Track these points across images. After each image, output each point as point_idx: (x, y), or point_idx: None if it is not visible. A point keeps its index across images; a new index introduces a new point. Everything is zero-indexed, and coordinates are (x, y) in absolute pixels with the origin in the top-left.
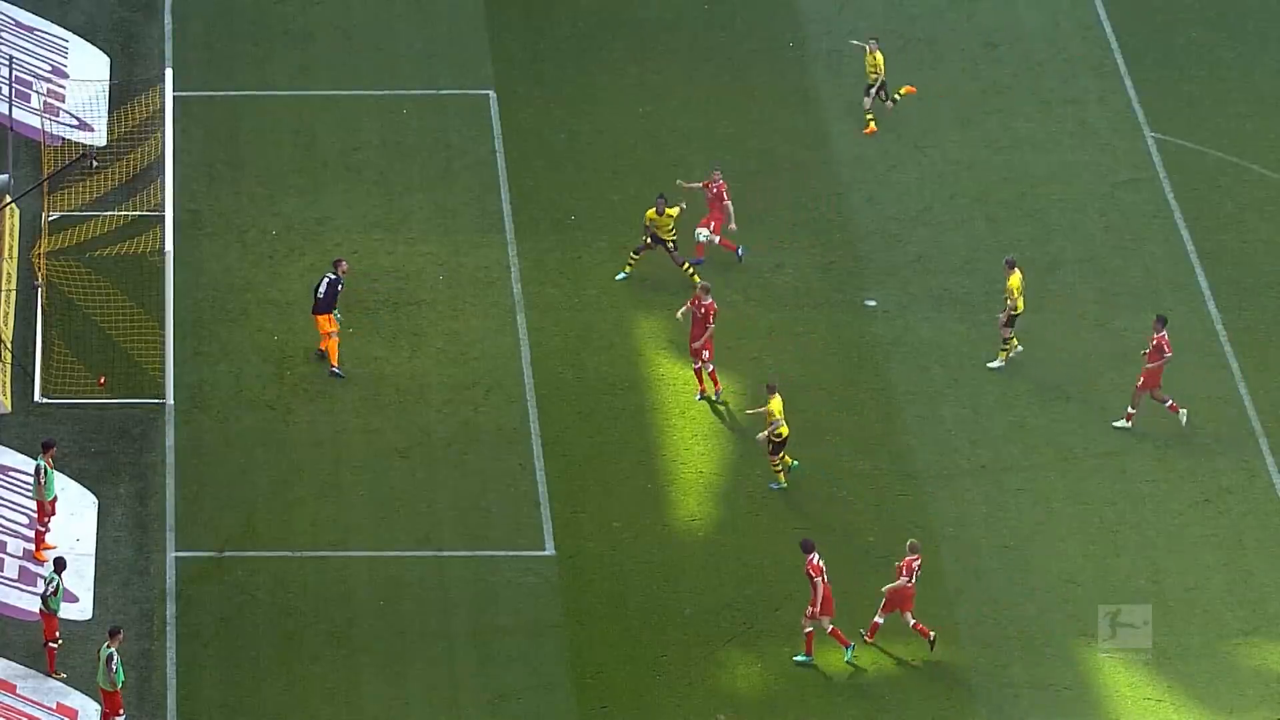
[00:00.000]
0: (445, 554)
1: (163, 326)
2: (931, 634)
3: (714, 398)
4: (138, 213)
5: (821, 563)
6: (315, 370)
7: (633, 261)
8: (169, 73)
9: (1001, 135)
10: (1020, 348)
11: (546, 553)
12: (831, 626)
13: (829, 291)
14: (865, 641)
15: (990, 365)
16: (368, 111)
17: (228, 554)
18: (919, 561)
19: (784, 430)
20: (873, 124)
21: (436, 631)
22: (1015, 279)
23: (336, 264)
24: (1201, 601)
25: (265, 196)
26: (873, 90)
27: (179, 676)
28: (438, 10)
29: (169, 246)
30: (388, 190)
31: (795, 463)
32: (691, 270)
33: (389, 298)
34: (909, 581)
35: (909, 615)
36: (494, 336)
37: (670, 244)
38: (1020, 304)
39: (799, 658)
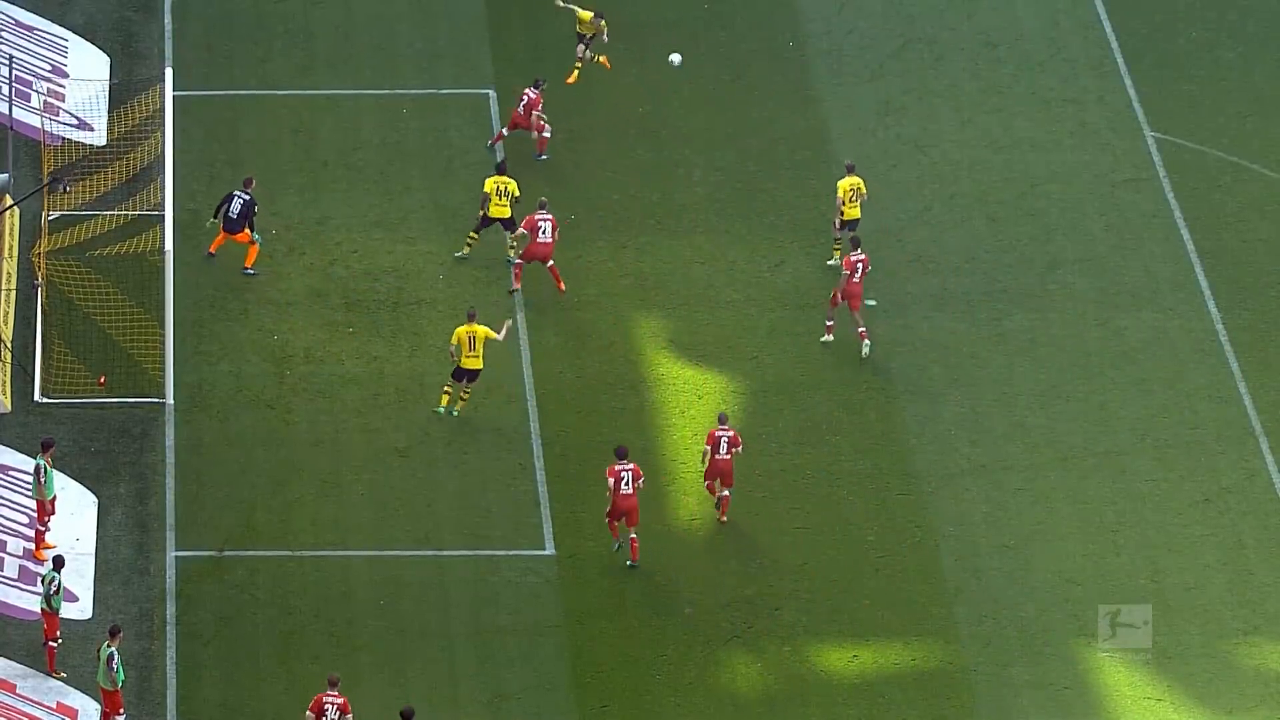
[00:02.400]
0: (445, 554)
1: (163, 326)
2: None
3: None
4: (138, 212)
5: (624, 473)
6: (315, 370)
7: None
8: (169, 72)
9: (1001, 135)
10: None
11: (546, 553)
12: (621, 530)
13: (829, 291)
14: None
15: (828, 262)
16: (368, 111)
17: (228, 554)
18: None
19: (464, 362)
20: (576, 73)
21: (436, 631)
22: (845, 183)
23: (247, 183)
24: (1201, 601)
25: (265, 196)
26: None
27: (179, 676)
28: (438, 10)
29: (169, 246)
30: (388, 190)
31: (454, 412)
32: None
33: (389, 298)
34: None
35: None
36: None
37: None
38: (850, 211)
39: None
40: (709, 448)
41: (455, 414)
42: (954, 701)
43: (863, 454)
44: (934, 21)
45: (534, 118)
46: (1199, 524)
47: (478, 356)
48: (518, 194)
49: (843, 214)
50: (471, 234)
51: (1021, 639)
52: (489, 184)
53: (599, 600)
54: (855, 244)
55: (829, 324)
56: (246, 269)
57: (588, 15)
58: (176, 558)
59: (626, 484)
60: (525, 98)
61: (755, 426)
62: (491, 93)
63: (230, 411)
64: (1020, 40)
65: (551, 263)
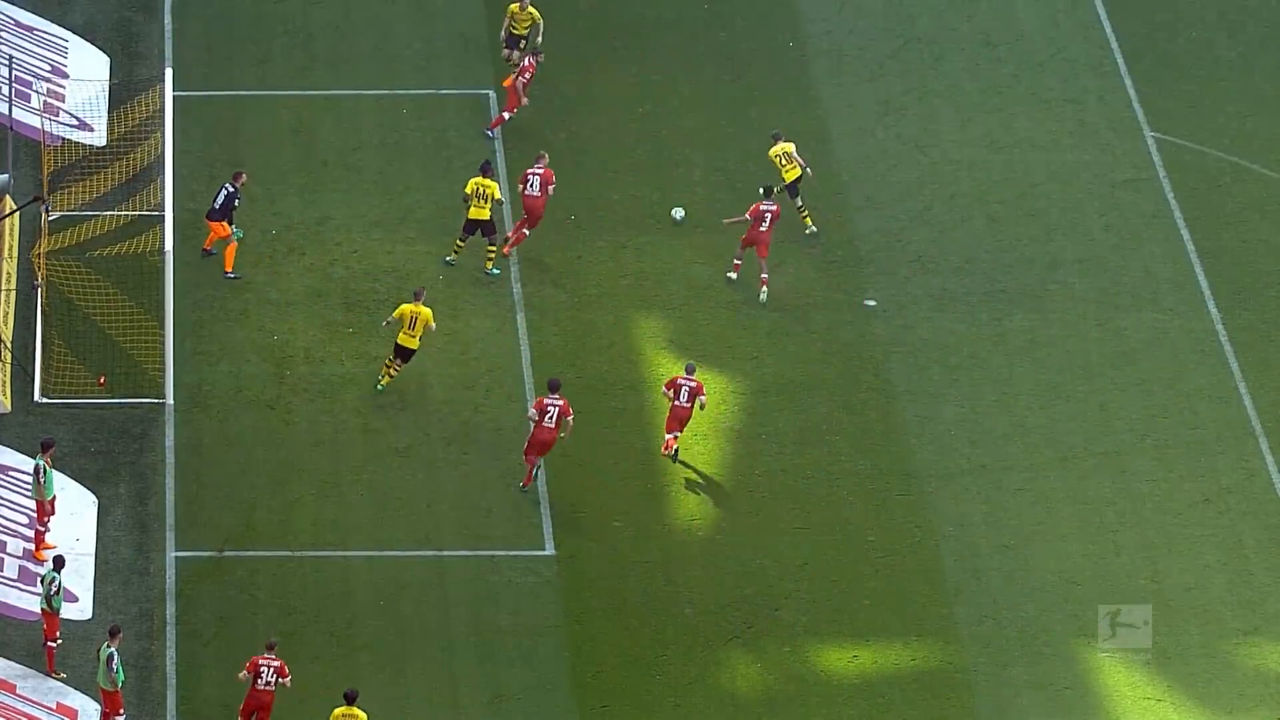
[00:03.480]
0: (445, 554)
1: (163, 326)
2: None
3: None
4: (138, 213)
5: (550, 406)
6: (315, 370)
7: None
8: (169, 73)
9: (1001, 135)
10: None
11: (546, 553)
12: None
13: (829, 291)
14: None
15: (806, 232)
16: (367, 111)
17: (228, 554)
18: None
19: (401, 339)
20: (511, 78)
21: (436, 631)
22: (773, 150)
23: (236, 176)
24: (1201, 601)
25: (265, 196)
26: (519, 43)
27: (179, 676)
28: (438, 10)
29: (169, 246)
30: (387, 190)
31: (379, 387)
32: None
33: (389, 298)
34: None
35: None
36: (494, 336)
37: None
38: (790, 173)
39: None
40: (669, 392)
41: (379, 389)
42: (954, 701)
43: (863, 454)
44: (934, 21)
45: (517, 84)
46: (1199, 524)
47: (414, 337)
48: (498, 196)
49: (783, 179)
50: (459, 241)
51: (1021, 639)
52: (469, 186)
53: (599, 600)
54: (767, 193)
55: (736, 263)
56: (227, 273)
57: (527, 14)
58: (176, 558)
59: (550, 418)
60: (520, 66)
61: (755, 426)
62: (491, 93)
63: (230, 411)
64: (1020, 40)
65: (527, 230)
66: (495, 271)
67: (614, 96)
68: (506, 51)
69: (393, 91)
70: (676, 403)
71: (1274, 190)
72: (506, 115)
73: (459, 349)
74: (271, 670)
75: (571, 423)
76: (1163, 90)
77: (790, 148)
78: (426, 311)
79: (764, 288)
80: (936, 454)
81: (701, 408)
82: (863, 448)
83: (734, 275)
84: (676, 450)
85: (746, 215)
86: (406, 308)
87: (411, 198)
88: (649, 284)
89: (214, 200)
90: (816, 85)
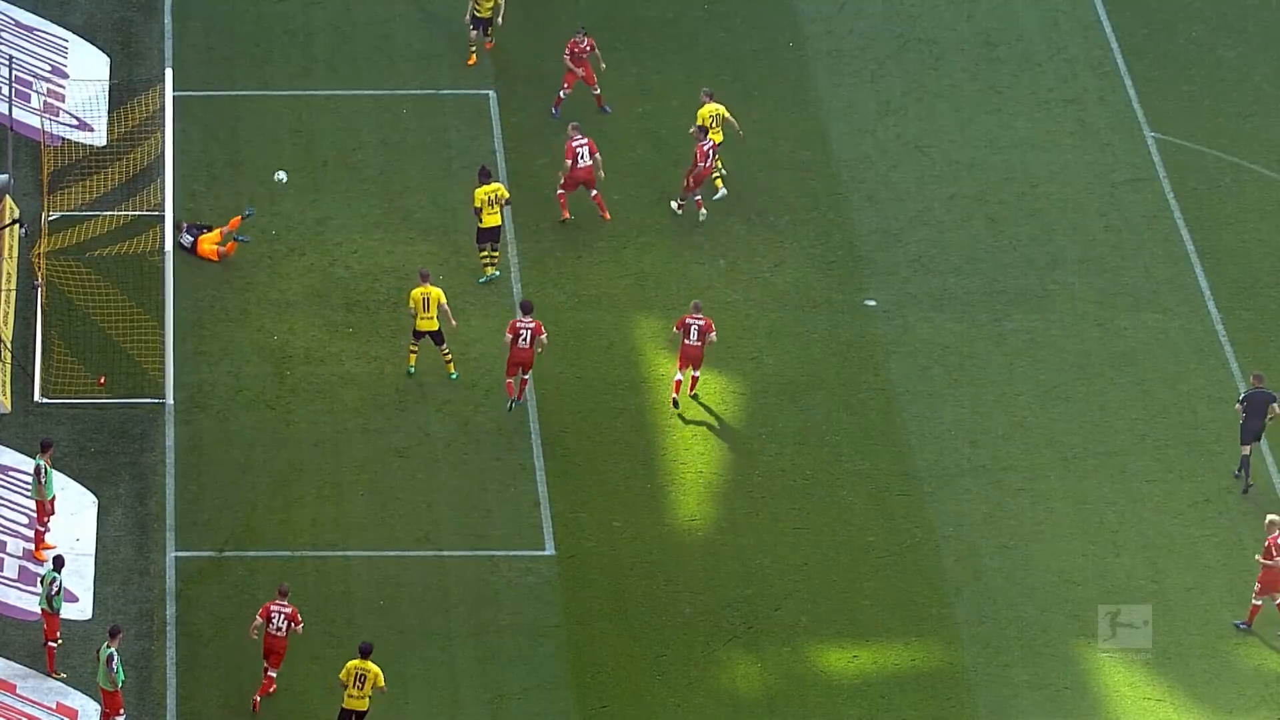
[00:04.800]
0: (445, 554)
1: (163, 326)
2: None
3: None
4: (138, 213)
5: (523, 329)
6: (315, 370)
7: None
8: (169, 73)
9: (1001, 135)
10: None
11: (546, 553)
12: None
13: (829, 291)
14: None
15: (717, 197)
16: (367, 111)
17: (228, 554)
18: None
19: (420, 324)
20: (474, 57)
21: (436, 631)
22: (703, 110)
23: (179, 226)
24: (1201, 602)
25: (265, 196)
26: (482, 24)
27: (179, 676)
28: (437, 10)
29: (169, 246)
30: (387, 190)
31: (412, 369)
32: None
33: (389, 298)
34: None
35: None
36: (494, 336)
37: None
38: (715, 134)
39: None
40: (678, 332)
41: (452, 376)
42: (954, 701)
43: (863, 454)
44: (934, 21)
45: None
46: (1199, 524)
47: (432, 318)
48: (507, 196)
49: (712, 140)
50: (482, 254)
51: (1021, 639)
52: (479, 195)
53: (599, 600)
54: (704, 132)
55: (685, 200)
56: (240, 236)
57: None
58: (176, 558)
59: (524, 339)
60: (572, 50)
61: (755, 426)
62: (491, 93)
63: (230, 411)
64: (1020, 40)
65: (596, 191)
66: (497, 274)
67: (614, 96)
68: (474, 34)
69: (393, 91)
70: (686, 341)
71: (1274, 190)
72: (564, 93)
73: (459, 349)
74: (282, 616)
75: (546, 340)
76: (1163, 90)
77: (721, 110)
78: (437, 291)
79: (701, 210)
80: (936, 454)
81: (711, 344)
82: (863, 448)
83: (678, 208)
84: (696, 394)
85: (698, 157)
86: (416, 292)
87: (411, 198)
88: (649, 284)
89: (183, 246)
90: (816, 85)
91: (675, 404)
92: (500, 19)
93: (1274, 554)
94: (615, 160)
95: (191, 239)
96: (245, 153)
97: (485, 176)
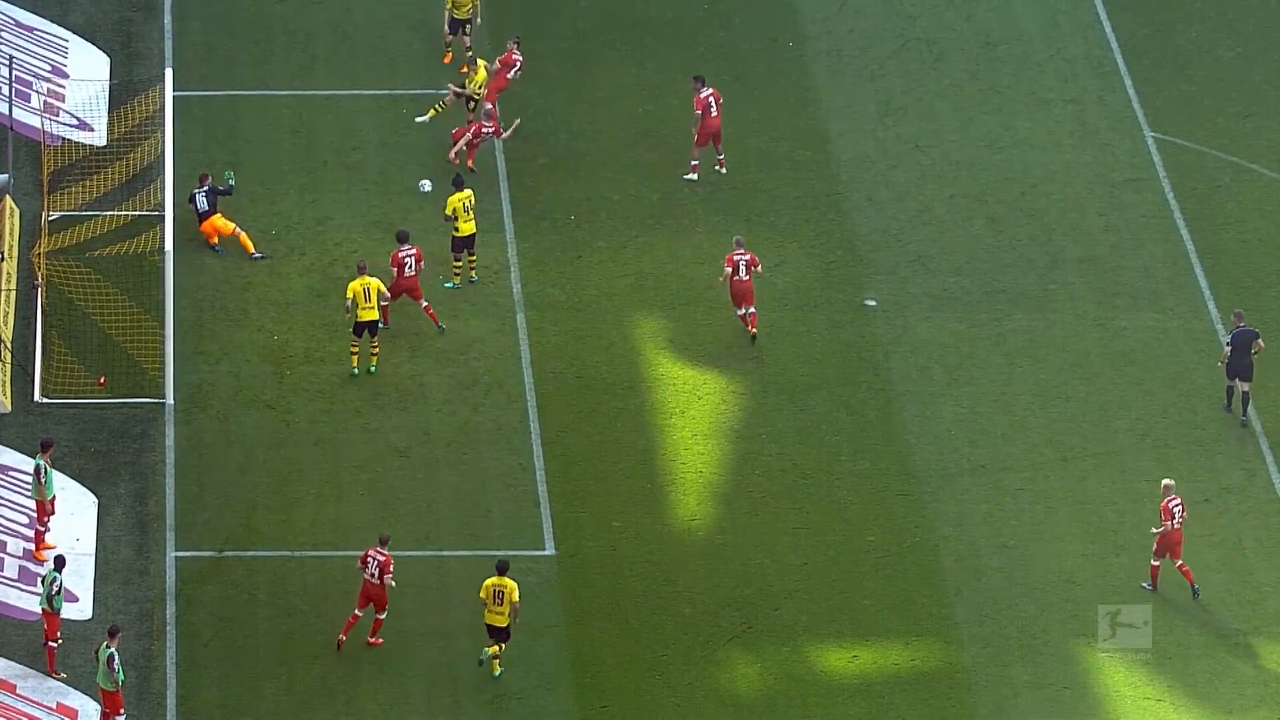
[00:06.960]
0: (445, 554)
1: (163, 326)
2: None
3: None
4: (138, 213)
5: (406, 258)
6: (315, 370)
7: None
8: (169, 73)
9: (1001, 135)
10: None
11: (546, 553)
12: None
13: (829, 291)
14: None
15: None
16: (367, 111)
17: (228, 554)
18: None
19: (361, 314)
20: (451, 54)
21: (436, 631)
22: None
23: (201, 179)
24: (1201, 601)
25: (265, 196)
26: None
27: (179, 676)
28: (438, 10)
29: (169, 246)
30: (387, 190)
31: (371, 369)
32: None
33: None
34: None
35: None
36: (494, 336)
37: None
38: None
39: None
40: (729, 270)
41: (372, 370)
42: (954, 701)
43: (863, 454)
44: (934, 21)
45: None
46: (1199, 524)
47: (373, 308)
48: (474, 201)
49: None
50: (457, 262)
51: (1021, 639)
52: (453, 201)
53: (599, 600)
54: (701, 81)
55: (694, 164)
56: (253, 254)
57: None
58: (176, 558)
59: (410, 268)
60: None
61: (755, 426)
62: None
63: (230, 411)
64: (1020, 40)
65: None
66: (459, 286)
67: (614, 96)
68: (450, 37)
69: (393, 91)
70: (736, 278)
71: (1274, 190)
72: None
73: (459, 349)
74: (375, 564)
75: (422, 264)
76: (1163, 90)
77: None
78: (376, 281)
79: (692, 175)
80: (936, 454)
81: (758, 275)
82: (863, 448)
83: (694, 176)
84: (756, 333)
85: (697, 110)
86: (356, 284)
87: (411, 198)
88: (649, 284)
89: (195, 207)
90: (816, 85)
91: (753, 340)
92: (479, 19)
93: (1167, 517)
94: (615, 160)
95: (206, 206)
96: (245, 153)
97: (459, 185)
